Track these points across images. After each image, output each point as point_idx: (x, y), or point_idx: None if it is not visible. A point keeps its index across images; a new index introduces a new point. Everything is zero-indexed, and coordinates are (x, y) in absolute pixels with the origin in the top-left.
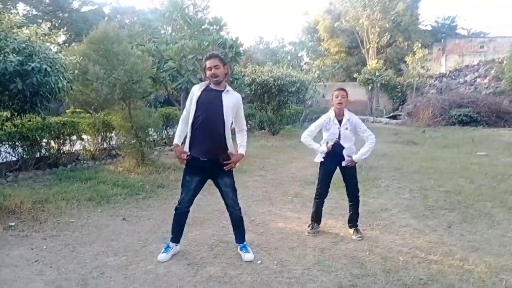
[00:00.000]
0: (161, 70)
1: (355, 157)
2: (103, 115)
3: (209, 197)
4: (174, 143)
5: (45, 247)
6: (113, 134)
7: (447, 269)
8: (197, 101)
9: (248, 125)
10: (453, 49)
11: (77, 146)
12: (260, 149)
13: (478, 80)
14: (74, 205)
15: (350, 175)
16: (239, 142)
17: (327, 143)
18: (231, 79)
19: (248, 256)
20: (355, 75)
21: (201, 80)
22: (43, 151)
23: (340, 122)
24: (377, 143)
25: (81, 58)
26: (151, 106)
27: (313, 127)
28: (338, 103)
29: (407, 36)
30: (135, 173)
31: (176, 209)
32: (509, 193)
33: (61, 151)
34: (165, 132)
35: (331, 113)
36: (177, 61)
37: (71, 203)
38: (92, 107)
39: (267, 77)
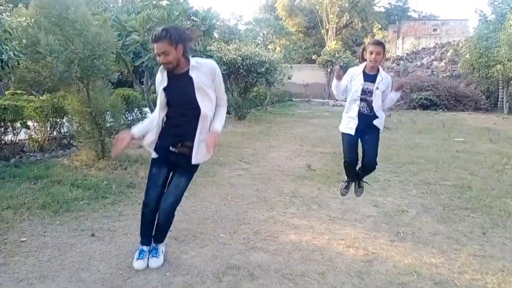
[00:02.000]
0: (123, 44)
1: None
2: (52, 98)
3: (193, 200)
4: (131, 131)
5: None
6: (64, 121)
7: None
8: (164, 89)
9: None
10: (407, 32)
11: (21, 135)
12: (231, 136)
13: (435, 63)
14: (24, 215)
15: (375, 139)
16: (214, 117)
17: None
18: (204, 57)
19: (151, 262)
20: (313, 57)
21: None
22: None
23: (371, 78)
24: None
25: (29, 24)
26: (112, 87)
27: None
28: (372, 61)
29: (363, 17)
30: (95, 169)
31: (143, 208)
32: None
33: (2, 142)
34: (124, 117)
35: (360, 67)
36: (142, 33)
37: (20, 213)
38: (43, 87)
39: (234, 56)
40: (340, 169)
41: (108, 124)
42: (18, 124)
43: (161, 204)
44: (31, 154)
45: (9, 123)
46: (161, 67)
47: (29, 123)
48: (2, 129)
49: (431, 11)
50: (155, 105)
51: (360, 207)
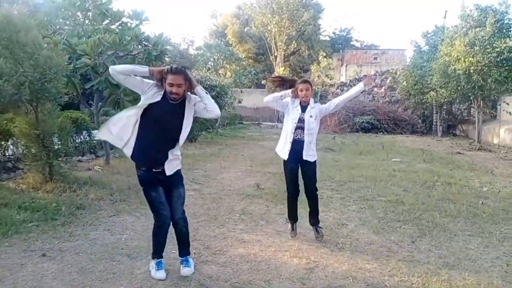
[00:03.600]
0: (73, 67)
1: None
2: None
3: (144, 220)
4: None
5: None
6: (9, 143)
7: None
8: (154, 108)
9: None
10: (350, 60)
11: None
12: (182, 158)
13: (375, 89)
14: None
15: (311, 172)
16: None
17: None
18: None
19: (184, 270)
20: (262, 82)
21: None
22: None
23: (304, 109)
24: None
25: None
26: (61, 109)
27: (277, 94)
28: (304, 96)
29: (310, 45)
30: (43, 191)
31: (159, 227)
32: (445, 201)
33: None
34: (72, 140)
35: (296, 100)
36: (93, 57)
37: None
38: None
39: None
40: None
41: (56, 147)
42: None
43: (175, 220)
44: None
45: None
46: (156, 85)
47: None
48: None
49: (372, 41)
50: None
51: (304, 222)
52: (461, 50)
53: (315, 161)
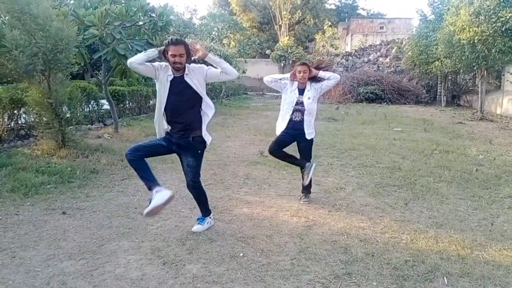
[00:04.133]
0: (81, 38)
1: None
2: (10, 90)
3: None
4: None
5: None
6: (21, 112)
7: (425, 248)
8: (169, 90)
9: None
10: (356, 29)
11: None
12: None
13: (380, 59)
14: None
15: (308, 147)
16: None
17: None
18: None
19: (195, 227)
20: (267, 52)
21: (126, 50)
22: None
23: (302, 92)
24: None
25: None
26: (71, 78)
27: (276, 76)
28: (302, 78)
29: (315, 14)
30: (57, 157)
31: (126, 156)
32: (441, 168)
33: None
34: (81, 109)
35: (294, 83)
36: (101, 28)
37: None
38: (5, 79)
39: None
40: None
41: (67, 115)
42: None
43: (189, 184)
44: None
45: None
46: (163, 67)
47: None
48: None
49: (378, 10)
50: (112, 97)
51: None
52: (466, 19)
53: (312, 138)
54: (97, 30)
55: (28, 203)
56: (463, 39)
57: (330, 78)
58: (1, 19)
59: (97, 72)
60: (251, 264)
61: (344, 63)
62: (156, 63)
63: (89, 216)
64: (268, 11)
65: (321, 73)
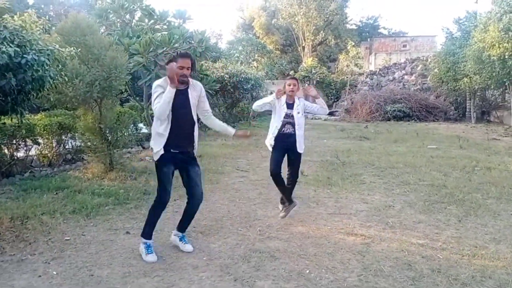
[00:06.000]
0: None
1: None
2: (58, 116)
3: (206, 204)
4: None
5: (55, 272)
6: (68, 137)
7: (489, 264)
8: (173, 105)
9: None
10: (379, 48)
11: (32, 151)
12: (223, 148)
13: (406, 77)
14: (60, 219)
15: (298, 162)
16: (221, 124)
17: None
18: (201, 76)
19: (188, 247)
20: (290, 73)
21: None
22: None
23: (291, 106)
24: (332, 139)
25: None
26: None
27: (265, 100)
28: (291, 91)
29: (337, 35)
30: (108, 180)
31: (160, 204)
32: (487, 184)
33: (14, 158)
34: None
35: (282, 98)
36: (145, 55)
37: (56, 218)
38: (65, 106)
39: (222, 74)
40: (329, 174)
41: (121, 140)
42: (29, 141)
43: (197, 195)
44: (41, 168)
45: (21, 140)
46: (163, 82)
47: (39, 139)
48: (15, 146)
49: (400, 28)
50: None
51: (353, 204)
52: (495, 35)
53: (301, 153)
54: (141, 58)
55: (92, 224)
56: (493, 55)
57: (323, 107)
58: (69, 51)
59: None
60: (320, 281)
61: (369, 82)
62: (161, 83)
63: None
64: (291, 33)
65: (319, 101)
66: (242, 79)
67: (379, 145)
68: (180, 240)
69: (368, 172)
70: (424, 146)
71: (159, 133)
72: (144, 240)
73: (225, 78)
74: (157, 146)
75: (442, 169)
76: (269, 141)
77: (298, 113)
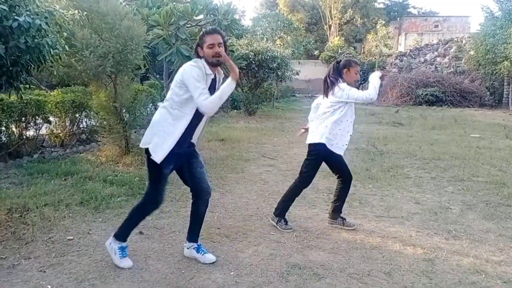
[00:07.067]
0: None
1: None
2: (71, 93)
3: (230, 197)
4: None
5: (49, 286)
6: (83, 115)
7: None
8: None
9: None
10: (409, 28)
11: (42, 130)
12: (246, 131)
13: (438, 59)
14: (64, 212)
15: None
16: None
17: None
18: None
19: (210, 257)
20: (315, 53)
21: (191, 50)
22: (2, 137)
23: None
24: (363, 124)
25: (76, 18)
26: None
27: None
28: (357, 80)
29: (364, 13)
30: (123, 165)
31: (151, 207)
32: None
33: (24, 137)
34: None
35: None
36: (166, 28)
37: (60, 210)
38: (75, 82)
39: (246, 51)
40: (367, 165)
41: (131, 119)
42: (39, 120)
43: (207, 192)
44: (52, 149)
45: (30, 118)
46: (199, 68)
47: (50, 118)
48: (24, 124)
49: (430, 8)
50: None
51: (402, 204)
52: None
53: None
54: (161, 30)
55: (100, 219)
56: None
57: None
58: (72, 15)
59: (155, 75)
60: None
61: (398, 64)
62: (200, 66)
63: (169, 237)
64: (317, 11)
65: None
66: (268, 57)
67: (416, 132)
68: (198, 251)
69: (411, 164)
70: (466, 134)
71: (170, 132)
72: (120, 242)
73: (250, 56)
74: (163, 149)
75: (494, 163)
76: (339, 145)
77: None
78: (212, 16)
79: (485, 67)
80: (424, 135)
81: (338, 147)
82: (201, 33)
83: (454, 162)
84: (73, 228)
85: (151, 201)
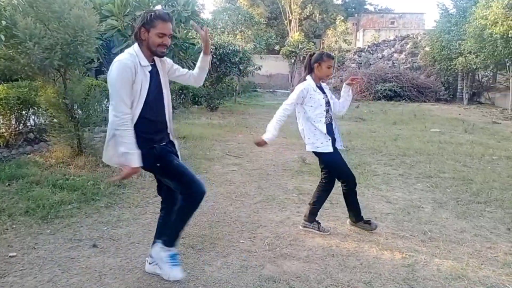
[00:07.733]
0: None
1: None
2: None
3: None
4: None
5: None
6: (30, 113)
7: None
8: (148, 88)
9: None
10: (367, 24)
11: None
12: (209, 128)
13: (395, 55)
14: (7, 224)
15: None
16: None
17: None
18: (186, 46)
19: (175, 274)
20: (276, 47)
21: None
22: None
23: (322, 90)
24: None
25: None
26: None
27: (290, 100)
28: (330, 75)
29: (324, 9)
30: (75, 167)
31: (199, 201)
32: None
33: None
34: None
35: (309, 81)
36: (120, 18)
37: (1, 221)
38: (17, 76)
39: None
40: None
41: (90, 119)
42: None
43: (203, 191)
44: None
45: None
46: (132, 62)
47: None
48: None
49: (386, 5)
50: None
51: (374, 204)
52: (499, 12)
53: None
54: (116, 21)
55: (48, 231)
56: (496, 33)
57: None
58: (10, 1)
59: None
60: None
61: (357, 59)
62: (130, 62)
63: (127, 250)
64: (276, 5)
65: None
66: (230, 52)
67: (378, 128)
68: (170, 260)
69: (377, 160)
70: (427, 129)
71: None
72: (170, 249)
73: (211, 50)
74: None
75: (458, 158)
76: (317, 144)
77: (331, 98)
78: (171, 6)
79: (441, 63)
80: (386, 130)
81: (324, 145)
82: (151, 14)
83: (419, 158)
84: (17, 242)
85: (200, 190)
